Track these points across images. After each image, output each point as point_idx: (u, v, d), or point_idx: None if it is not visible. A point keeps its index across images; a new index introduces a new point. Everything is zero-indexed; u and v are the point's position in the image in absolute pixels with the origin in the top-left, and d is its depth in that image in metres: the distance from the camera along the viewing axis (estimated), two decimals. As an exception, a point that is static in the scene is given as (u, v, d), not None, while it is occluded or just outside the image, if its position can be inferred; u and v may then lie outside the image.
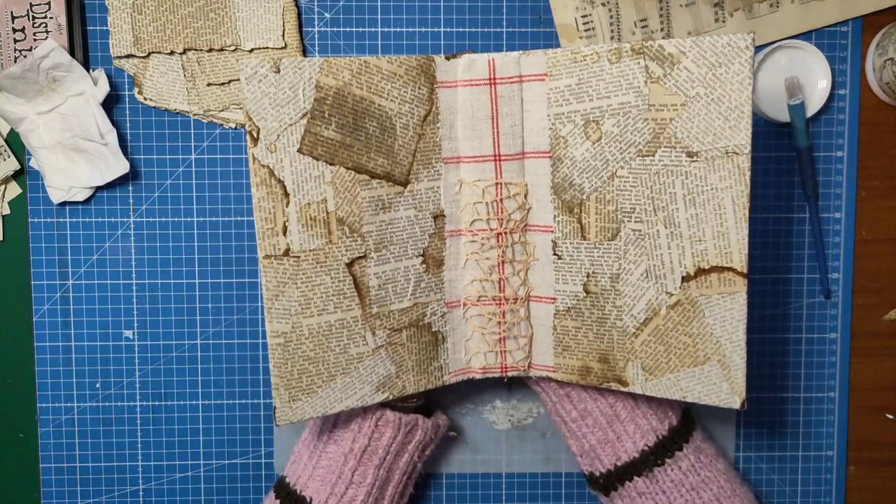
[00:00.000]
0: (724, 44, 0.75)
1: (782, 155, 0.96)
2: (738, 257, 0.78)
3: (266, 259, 0.79)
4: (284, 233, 0.79)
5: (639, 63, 0.78)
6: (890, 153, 0.96)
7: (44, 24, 0.90)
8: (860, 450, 0.99)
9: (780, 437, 0.98)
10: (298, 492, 0.87)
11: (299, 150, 0.79)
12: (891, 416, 0.98)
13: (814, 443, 0.98)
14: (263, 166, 0.78)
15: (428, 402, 0.94)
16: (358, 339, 0.83)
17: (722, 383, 0.80)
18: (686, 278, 0.80)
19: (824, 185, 0.96)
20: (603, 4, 0.93)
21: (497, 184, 0.85)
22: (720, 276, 0.79)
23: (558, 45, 0.94)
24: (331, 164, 0.80)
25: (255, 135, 0.78)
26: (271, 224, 0.79)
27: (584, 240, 0.83)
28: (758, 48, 0.94)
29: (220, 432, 0.97)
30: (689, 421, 0.89)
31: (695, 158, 0.78)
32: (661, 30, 0.93)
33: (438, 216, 0.85)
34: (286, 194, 0.79)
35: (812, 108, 0.94)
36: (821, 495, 0.98)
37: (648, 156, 0.79)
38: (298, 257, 0.80)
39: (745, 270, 0.78)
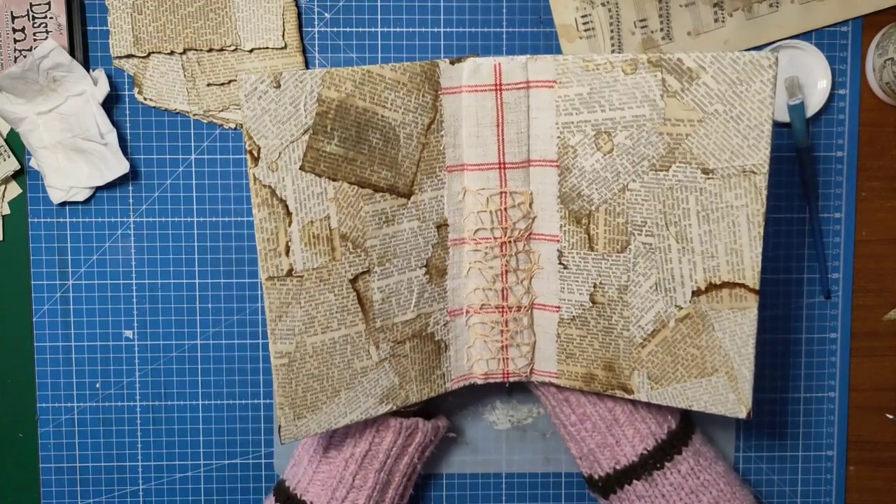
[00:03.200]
0: (745, 61, 0.74)
1: (782, 155, 0.96)
2: (751, 274, 0.77)
3: (269, 281, 0.78)
4: (287, 253, 0.78)
5: (655, 76, 0.77)
6: (890, 153, 0.96)
7: (44, 24, 0.90)
8: (860, 450, 0.99)
9: (780, 437, 0.98)
10: (299, 496, 0.87)
11: (301, 168, 0.78)
12: (891, 416, 0.98)
13: (814, 443, 0.98)
14: (265, 186, 0.77)
15: (427, 404, 0.94)
16: (362, 353, 0.82)
17: (729, 394, 0.80)
18: (696, 293, 0.79)
19: (824, 185, 0.96)
20: (603, 4, 0.93)
21: (502, 193, 0.84)
22: (732, 293, 0.78)
23: (558, 46, 0.94)
24: (333, 180, 0.79)
25: (256, 154, 0.76)
26: (274, 245, 0.78)
27: (592, 251, 0.83)
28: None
29: (220, 432, 0.97)
30: (688, 424, 0.89)
31: (710, 175, 0.77)
32: (661, 30, 0.93)
33: (442, 225, 0.84)
34: (288, 214, 0.78)
35: (812, 108, 0.94)
36: (821, 495, 0.99)
37: (662, 170, 0.79)
38: (302, 276, 0.79)
39: (756, 287, 0.77)
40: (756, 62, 0.74)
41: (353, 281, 0.81)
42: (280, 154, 0.77)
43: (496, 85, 0.82)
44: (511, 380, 0.88)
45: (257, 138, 0.76)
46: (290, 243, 0.78)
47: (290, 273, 0.79)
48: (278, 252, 0.78)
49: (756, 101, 0.75)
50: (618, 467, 0.87)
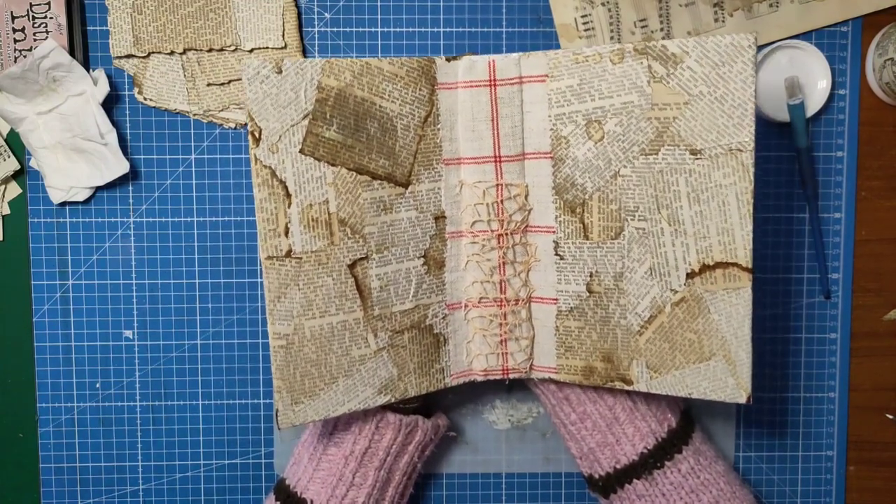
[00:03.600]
0: (727, 43, 0.76)
1: (782, 155, 0.96)
2: (743, 253, 0.78)
3: (268, 260, 0.79)
4: (286, 234, 0.79)
5: (642, 63, 0.78)
6: (890, 153, 0.96)
7: (44, 24, 0.90)
8: (860, 450, 0.99)
9: (780, 437, 0.98)
10: (299, 494, 0.87)
11: (301, 151, 0.79)
12: (891, 416, 0.98)
13: (814, 443, 0.98)
14: (265, 167, 0.78)
15: (427, 403, 0.94)
16: (360, 341, 0.83)
17: (728, 379, 0.80)
18: (691, 275, 0.80)
19: (824, 185, 0.96)
20: (603, 4, 0.93)
21: (498, 185, 0.84)
22: (725, 272, 0.79)
23: (558, 45, 0.94)
24: (332, 165, 0.80)
25: (258, 135, 0.78)
26: (273, 225, 0.79)
27: (587, 239, 0.83)
28: (758, 48, 0.94)
29: (220, 432, 0.97)
30: (688, 423, 0.89)
31: (698, 156, 0.78)
32: (661, 30, 0.93)
33: (439, 217, 0.85)
34: (288, 195, 0.79)
35: (812, 108, 0.94)
36: (821, 495, 0.98)
37: (652, 154, 0.79)
38: (300, 258, 0.80)
39: (749, 266, 0.78)
40: (737, 44, 0.76)
41: (352, 266, 0.82)
42: (280, 137, 0.78)
43: (490, 81, 0.83)
44: (511, 376, 0.88)
45: (259, 120, 0.78)
46: (289, 224, 0.79)
47: (288, 254, 0.80)
48: (277, 232, 0.79)
49: (738, 80, 0.76)
50: (618, 466, 0.87)
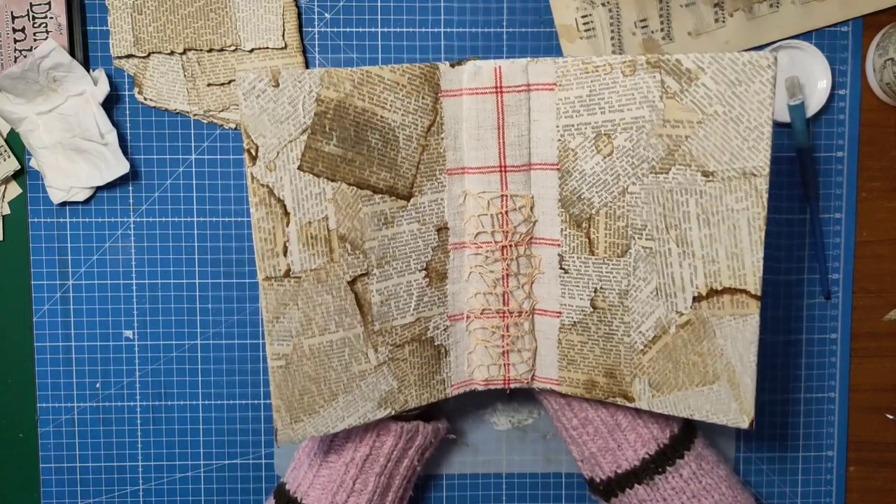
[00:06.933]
0: (744, 61, 0.74)
1: (782, 155, 0.96)
2: (752, 279, 0.76)
3: (266, 281, 0.78)
4: (285, 253, 0.78)
5: (654, 77, 0.77)
6: (890, 154, 0.96)
7: (44, 24, 0.90)
8: (860, 450, 0.99)
9: (781, 437, 0.98)
10: (299, 499, 0.87)
11: (299, 168, 0.77)
12: (891, 416, 0.98)
13: (814, 443, 0.98)
14: (262, 185, 0.77)
15: (427, 406, 0.94)
16: (360, 356, 0.82)
17: (731, 403, 0.79)
18: (697, 298, 0.79)
19: (824, 186, 0.96)
20: (603, 5, 0.93)
21: (502, 196, 0.83)
22: (733, 298, 0.77)
23: (559, 46, 0.94)
24: (332, 181, 0.78)
25: (254, 153, 0.76)
26: (271, 245, 0.77)
27: (593, 255, 0.82)
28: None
29: (220, 432, 0.97)
30: (690, 428, 0.89)
31: (710, 178, 0.76)
32: (661, 30, 0.93)
33: (442, 229, 0.84)
34: (286, 213, 0.77)
35: (812, 108, 0.94)
36: (821, 495, 0.99)
37: (662, 173, 0.78)
38: (299, 277, 0.79)
39: (758, 293, 0.76)
40: (755, 62, 0.73)
41: (352, 283, 0.81)
42: (278, 153, 0.77)
43: (497, 87, 0.82)
44: (512, 386, 0.88)
45: (255, 137, 0.76)
46: (287, 243, 0.78)
47: (287, 274, 0.78)
48: (276, 252, 0.78)
49: (755, 101, 0.74)
50: (619, 471, 0.87)
